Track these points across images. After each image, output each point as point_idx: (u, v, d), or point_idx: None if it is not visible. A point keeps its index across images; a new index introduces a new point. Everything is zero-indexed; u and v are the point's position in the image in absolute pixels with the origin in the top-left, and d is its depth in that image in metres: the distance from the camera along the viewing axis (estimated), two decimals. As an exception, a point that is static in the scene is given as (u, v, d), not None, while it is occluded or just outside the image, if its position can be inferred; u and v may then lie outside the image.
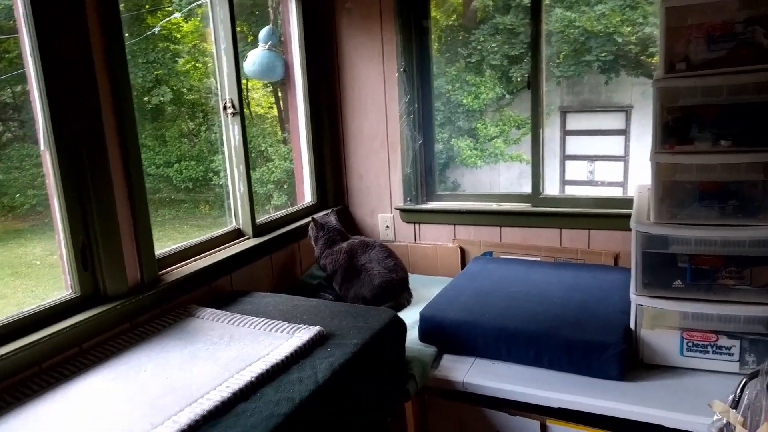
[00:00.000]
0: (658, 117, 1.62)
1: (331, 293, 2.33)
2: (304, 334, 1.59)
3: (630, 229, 2.21)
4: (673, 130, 1.61)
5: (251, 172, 2.23)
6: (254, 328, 1.67)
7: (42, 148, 1.55)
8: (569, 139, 8.68)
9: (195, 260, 2.00)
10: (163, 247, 1.91)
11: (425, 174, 2.67)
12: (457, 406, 1.80)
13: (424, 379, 1.78)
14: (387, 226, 2.72)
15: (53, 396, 1.36)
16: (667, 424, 1.53)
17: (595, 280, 2.11)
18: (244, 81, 2.52)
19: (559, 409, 1.66)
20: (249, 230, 2.25)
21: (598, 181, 8.48)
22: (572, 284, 2.08)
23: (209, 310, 1.80)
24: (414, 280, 2.42)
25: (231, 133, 2.18)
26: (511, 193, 2.59)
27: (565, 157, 8.72)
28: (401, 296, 2.28)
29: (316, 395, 1.35)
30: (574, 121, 8.69)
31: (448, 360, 1.88)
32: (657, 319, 1.71)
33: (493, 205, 2.53)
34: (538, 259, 2.42)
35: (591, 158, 8.58)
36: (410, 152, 2.60)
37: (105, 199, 1.62)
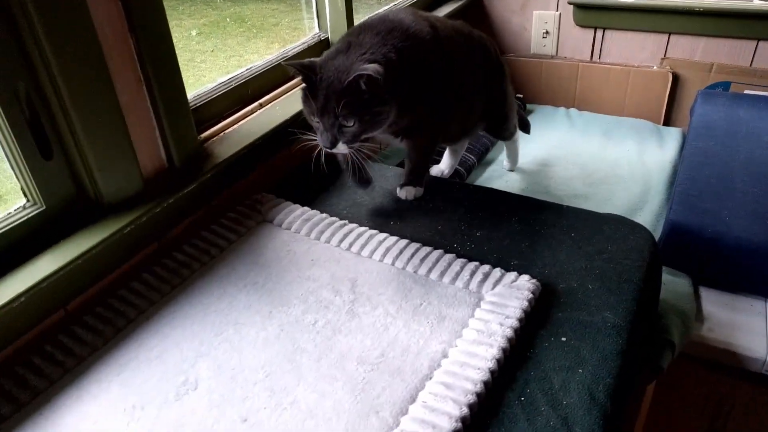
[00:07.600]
0: None
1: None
2: (512, 300, 0.77)
3: None
4: None
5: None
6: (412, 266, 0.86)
7: None
8: None
9: (247, 114, 1.11)
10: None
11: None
12: (731, 383, 1.05)
13: (683, 343, 1.00)
14: (546, 32, 1.71)
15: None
16: None
17: None
18: None
19: None
20: (342, 42, 1.30)
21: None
22: None
23: (298, 208, 0.97)
24: (584, 120, 1.54)
25: None
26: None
27: None
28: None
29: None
30: None
31: (710, 302, 1.08)
32: None
33: (743, 2, 1.48)
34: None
35: None
36: None
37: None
